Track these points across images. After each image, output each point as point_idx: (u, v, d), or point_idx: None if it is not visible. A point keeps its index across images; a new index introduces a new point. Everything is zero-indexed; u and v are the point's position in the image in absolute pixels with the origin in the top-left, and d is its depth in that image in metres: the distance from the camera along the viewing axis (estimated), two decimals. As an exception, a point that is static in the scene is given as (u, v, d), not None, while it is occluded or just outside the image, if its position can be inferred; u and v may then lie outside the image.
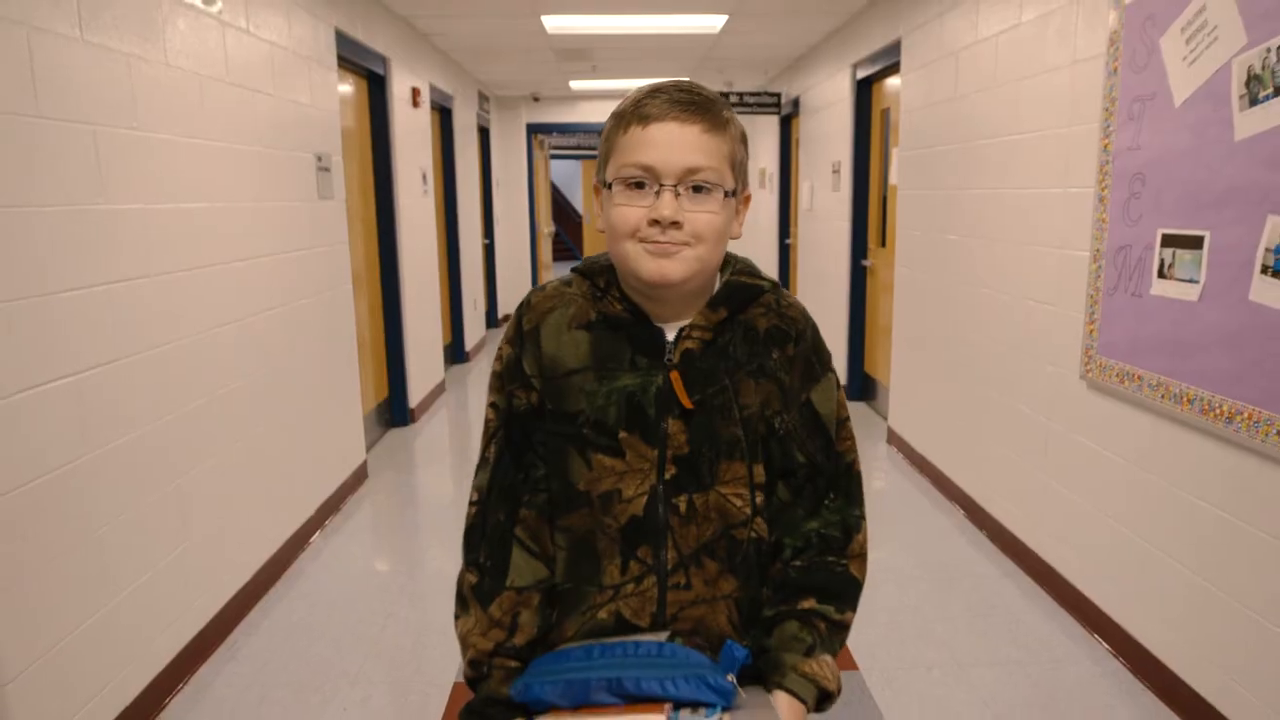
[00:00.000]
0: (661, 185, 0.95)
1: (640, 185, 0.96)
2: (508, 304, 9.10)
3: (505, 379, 1.07)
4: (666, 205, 0.94)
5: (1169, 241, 2.17)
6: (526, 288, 9.34)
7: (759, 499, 1.04)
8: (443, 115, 6.37)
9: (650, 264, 0.96)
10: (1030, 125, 2.95)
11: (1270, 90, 1.82)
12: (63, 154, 1.93)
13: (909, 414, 4.35)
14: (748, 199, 1.05)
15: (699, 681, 0.93)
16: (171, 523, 2.36)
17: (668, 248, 0.95)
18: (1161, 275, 2.20)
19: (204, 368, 2.55)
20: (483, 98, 8.07)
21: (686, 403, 1.01)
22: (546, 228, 10.73)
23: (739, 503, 1.03)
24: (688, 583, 1.02)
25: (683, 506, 1.02)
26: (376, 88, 4.62)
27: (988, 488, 3.39)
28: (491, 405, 1.08)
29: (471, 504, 1.08)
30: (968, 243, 3.53)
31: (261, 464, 2.95)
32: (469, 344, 7.21)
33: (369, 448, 4.46)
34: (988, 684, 2.36)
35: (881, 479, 4.16)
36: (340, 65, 4.01)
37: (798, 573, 1.05)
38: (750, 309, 1.06)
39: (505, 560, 1.04)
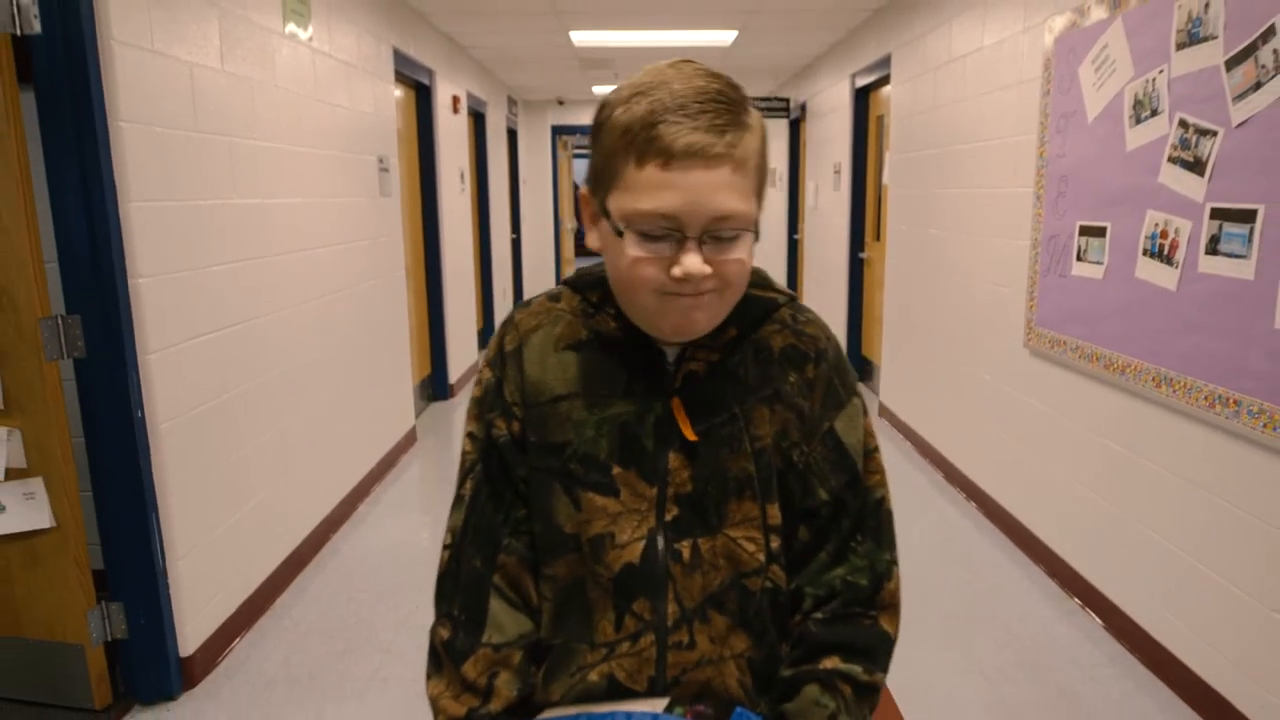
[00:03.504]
0: (686, 237, 0.81)
1: (658, 236, 0.82)
2: (533, 294, 9.66)
3: (484, 406, 0.95)
4: (693, 263, 0.81)
5: (1084, 231, 2.68)
6: (550, 280, 9.94)
7: (774, 543, 0.92)
8: (476, 119, 6.94)
9: (675, 319, 0.86)
10: (991, 134, 3.47)
11: (1149, 112, 2.34)
12: (211, 160, 2.49)
13: (897, 388, 4.87)
14: None
15: None
16: (276, 458, 2.92)
17: (698, 301, 0.84)
18: (1079, 259, 2.72)
19: (296, 335, 3.11)
20: (511, 102, 8.64)
21: (689, 434, 0.90)
22: (569, 224, 11.29)
23: (751, 548, 0.91)
24: (691, 641, 0.90)
25: (686, 553, 0.90)
26: (423, 97, 5.19)
27: (958, 448, 3.90)
28: (469, 435, 0.96)
29: (445, 548, 0.96)
30: (944, 236, 4.04)
31: (336, 420, 3.52)
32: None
33: (416, 416, 5.02)
34: (938, 593, 2.89)
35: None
36: (395, 78, 4.57)
37: (819, 626, 0.92)
38: (763, 326, 0.95)
39: (482, 613, 0.92)
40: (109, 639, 2.27)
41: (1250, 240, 1.96)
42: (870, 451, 0.96)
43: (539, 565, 0.94)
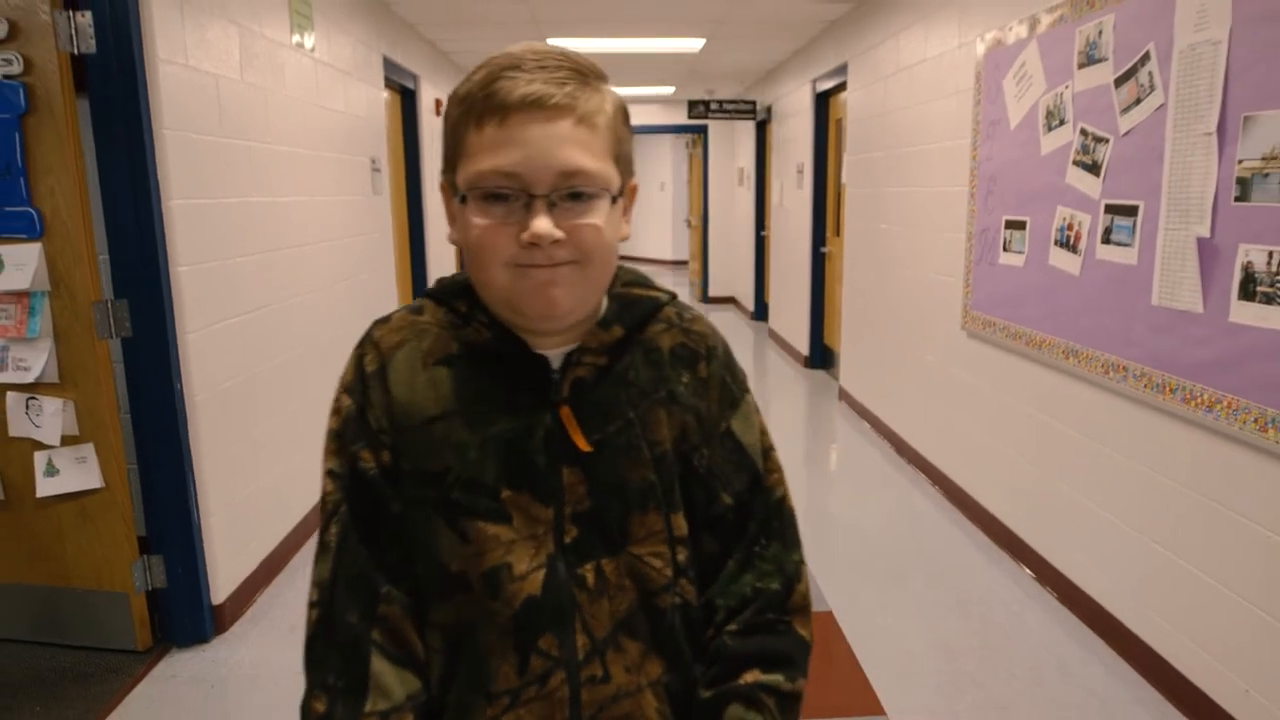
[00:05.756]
0: (532, 196, 0.76)
1: (503, 197, 0.77)
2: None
3: (345, 438, 0.87)
4: (541, 222, 0.75)
5: (1009, 225, 3.05)
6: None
7: (681, 556, 0.86)
8: (456, 121, 7.21)
9: (533, 297, 0.79)
10: (933, 138, 3.83)
11: (1058, 122, 2.70)
12: (234, 162, 2.78)
13: (854, 373, 5.25)
14: (634, 190, 0.85)
15: None
16: (288, 434, 3.21)
17: (554, 274, 0.78)
18: (1005, 249, 3.08)
19: (303, 322, 3.40)
20: (488, 103, 8.92)
21: (583, 444, 0.83)
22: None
23: (658, 563, 0.85)
24: (605, 674, 0.83)
25: (590, 577, 0.83)
26: (408, 100, 5.47)
27: (907, 423, 4.28)
28: (329, 474, 0.87)
29: (311, 606, 0.84)
30: (893, 230, 4.41)
31: (338, 400, 3.80)
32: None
33: (404, 403, 5.31)
34: (885, 544, 3.26)
35: (832, 430, 5.05)
36: (384, 83, 4.85)
37: (735, 639, 0.87)
38: (649, 325, 0.89)
39: (363, 677, 0.81)
40: (150, 588, 2.55)
41: (1134, 231, 2.33)
42: (767, 450, 0.92)
43: (423, 612, 0.84)
